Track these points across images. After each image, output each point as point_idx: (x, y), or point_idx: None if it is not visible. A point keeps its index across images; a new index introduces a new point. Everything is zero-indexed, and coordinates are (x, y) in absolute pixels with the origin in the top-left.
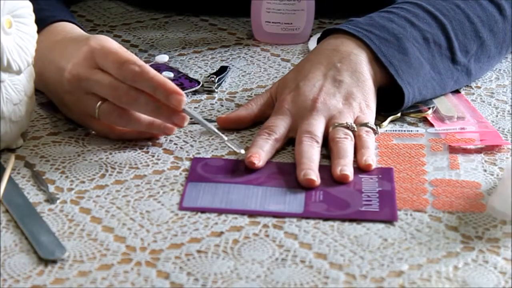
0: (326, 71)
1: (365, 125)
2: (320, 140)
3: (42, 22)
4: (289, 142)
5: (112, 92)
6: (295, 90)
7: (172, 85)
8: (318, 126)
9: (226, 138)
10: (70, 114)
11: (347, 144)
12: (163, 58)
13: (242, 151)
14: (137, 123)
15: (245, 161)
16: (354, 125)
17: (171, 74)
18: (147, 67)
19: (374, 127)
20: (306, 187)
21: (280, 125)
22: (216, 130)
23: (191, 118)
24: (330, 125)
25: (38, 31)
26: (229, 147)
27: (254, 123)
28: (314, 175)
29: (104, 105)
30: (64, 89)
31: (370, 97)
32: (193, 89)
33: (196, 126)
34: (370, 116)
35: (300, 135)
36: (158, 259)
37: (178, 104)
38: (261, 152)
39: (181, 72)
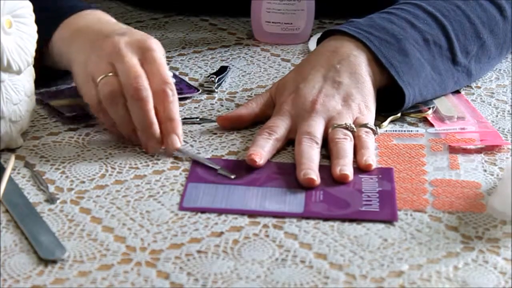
0: (326, 72)
1: (365, 125)
2: (319, 141)
3: (77, 8)
4: (289, 142)
5: (129, 79)
6: (295, 92)
7: (180, 129)
8: (317, 127)
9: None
10: (77, 70)
11: (346, 145)
12: None
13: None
14: (122, 122)
15: (246, 159)
16: (353, 126)
17: (173, 80)
18: (177, 100)
19: (374, 127)
20: (306, 186)
21: (280, 126)
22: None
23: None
24: (330, 126)
25: (72, 13)
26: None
27: (254, 123)
28: (314, 175)
29: (111, 78)
30: (94, 49)
31: (369, 98)
32: (190, 95)
33: (196, 126)
34: (369, 117)
35: (299, 136)
36: (158, 259)
37: (171, 145)
38: (262, 151)
39: (182, 79)
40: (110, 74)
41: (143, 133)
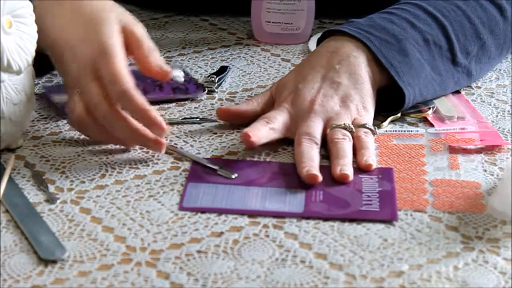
0: (325, 73)
1: (363, 126)
2: (318, 141)
3: None
4: (289, 142)
5: (93, 107)
6: (294, 92)
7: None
8: (316, 128)
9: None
10: (67, 71)
11: (345, 145)
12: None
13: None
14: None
15: (241, 137)
16: (352, 126)
17: (181, 75)
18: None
19: (372, 128)
20: (309, 183)
21: (278, 118)
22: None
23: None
24: (328, 126)
25: None
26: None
27: (254, 121)
28: (317, 171)
29: (77, 102)
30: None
31: (368, 99)
32: (195, 94)
33: (196, 126)
34: (367, 118)
35: (299, 137)
36: (158, 259)
37: (159, 134)
38: (258, 132)
39: (192, 78)
40: (77, 91)
41: (135, 142)
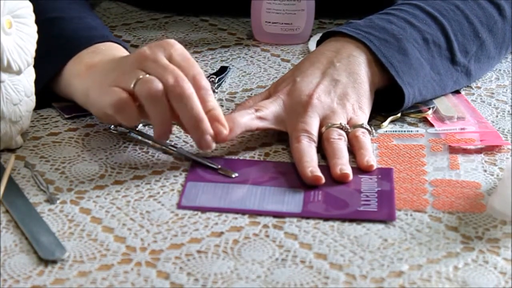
0: (325, 69)
1: (361, 126)
2: (316, 139)
3: (91, 40)
4: (286, 142)
5: (170, 79)
6: (292, 84)
7: (222, 116)
8: (314, 125)
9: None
10: (99, 83)
11: (341, 145)
12: None
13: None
14: (164, 121)
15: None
16: (347, 126)
17: None
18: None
19: (369, 128)
20: (313, 184)
21: (270, 107)
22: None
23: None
24: (324, 124)
25: (85, 47)
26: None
27: None
28: (320, 173)
29: (149, 78)
30: (120, 63)
31: (364, 99)
32: None
33: None
34: (363, 118)
35: (297, 134)
36: (158, 259)
37: (219, 135)
38: (239, 119)
39: None
40: (144, 76)
41: (195, 130)
